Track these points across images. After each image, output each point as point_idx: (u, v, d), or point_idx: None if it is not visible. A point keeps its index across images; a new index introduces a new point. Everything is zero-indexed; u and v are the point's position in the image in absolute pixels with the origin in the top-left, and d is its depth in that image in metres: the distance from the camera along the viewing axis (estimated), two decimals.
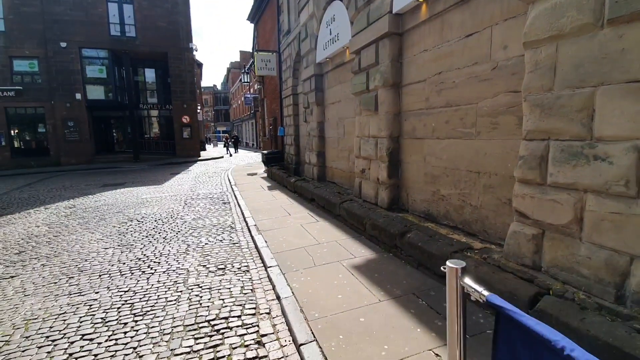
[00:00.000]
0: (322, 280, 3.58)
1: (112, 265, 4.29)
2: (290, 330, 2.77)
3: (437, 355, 2.33)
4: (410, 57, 4.92)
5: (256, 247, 4.81)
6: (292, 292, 3.33)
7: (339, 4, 6.75)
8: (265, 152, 14.70)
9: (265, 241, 4.97)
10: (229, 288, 3.56)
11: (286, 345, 2.61)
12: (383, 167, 5.46)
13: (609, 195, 2.36)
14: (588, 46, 2.43)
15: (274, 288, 3.51)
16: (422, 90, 4.70)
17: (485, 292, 0.96)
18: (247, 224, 6.00)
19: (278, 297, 3.30)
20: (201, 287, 3.60)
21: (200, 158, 22.30)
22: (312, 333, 2.65)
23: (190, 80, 22.09)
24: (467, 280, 1.04)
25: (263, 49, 16.43)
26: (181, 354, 2.52)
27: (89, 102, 19.85)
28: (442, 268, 1.14)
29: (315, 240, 4.97)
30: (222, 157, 24.64)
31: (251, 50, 23.87)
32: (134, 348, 2.60)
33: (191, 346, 2.61)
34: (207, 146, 38.15)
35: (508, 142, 3.39)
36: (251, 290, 3.52)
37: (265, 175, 12.88)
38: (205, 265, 4.17)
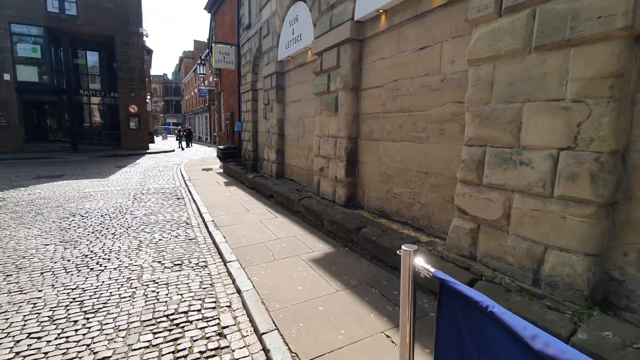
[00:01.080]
0: (282, 274, 3.71)
1: (55, 262, 4.02)
2: (251, 321, 2.87)
3: (387, 336, 2.59)
4: (370, 63, 5.22)
5: (214, 242, 4.79)
6: (253, 285, 3.42)
7: (303, 5, 6.89)
8: (221, 147, 14.37)
9: (224, 237, 4.96)
10: (187, 283, 3.55)
11: (248, 335, 2.70)
12: (341, 166, 5.71)
13: (530, 194, 2.79)
14: (519, 68, 2.85)
15: (234, 282, 3.56)
16: (379, 95, 5.01)
17: (432, 269, 1.18)
18: (203, 220, 5.91)
19: (238, 291, 3.36)
20: (157, 283, 3.54)
21: (149, 151, 21.07)
22: (274, 322, 2.78)
23: (140, 67, 20.76)
24: (418, 261, 1.25)
25: (222, 42, 15.97)
26: (139, 348, 2.51)
27: (19, 84, 17.80)
28: (397, 252, 1.34)
29: (275, 235, 5.08)
30: (174, 150, 23.51)
31: (207, 41, 23.02)
32: (87, 345, 2.53)
33: (150, 340, 2.60)
34: (155, 139, 36.02)
35: (453, 146, 3.80)
36: (210, 284, 3.54)
37: (222, 171, 12.60)
38: (160, 262, 4.08)
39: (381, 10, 4.67)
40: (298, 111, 7.94)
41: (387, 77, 4.83)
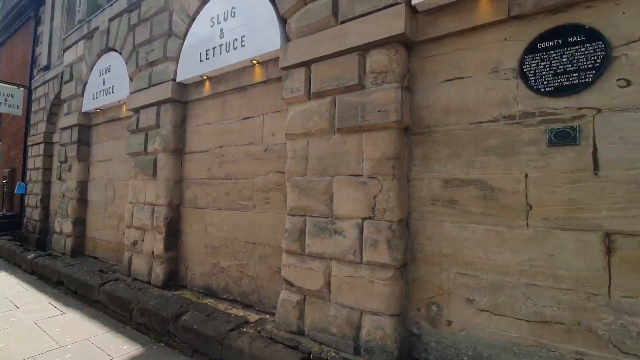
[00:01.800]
0: None
1: None
2: None
3: None
4: (195, 126, 4.92)
5: None
6: None
7: (117, 55, 6.12)
8: None
9: None
10: None
11: None
12: (160, 238, 4.84)
13: (345, 262, 2.94)
14: (327, 145, 3.15)
15: None
16: (205, 160, 4.69)
17: None
18: None
19: None
20: None
21: None
22: None
23: None
24: None
25: (6, 81, 12.38)
26: None
27: None
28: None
29: (56, 342, 3.61)
30: None
31: None
32: None
33: None
34: None
35: (278, 215, 3.78)
36: None
37: None
38: None
39: (204, 77, 4.58)
40: (108, 172, 6.59)
41: (213, 142, 4.62)
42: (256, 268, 4.00)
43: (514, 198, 2.44)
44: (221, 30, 4.31)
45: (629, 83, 2.12)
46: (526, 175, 2.41)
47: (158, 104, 5.07)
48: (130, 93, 5.62)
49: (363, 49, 2.98)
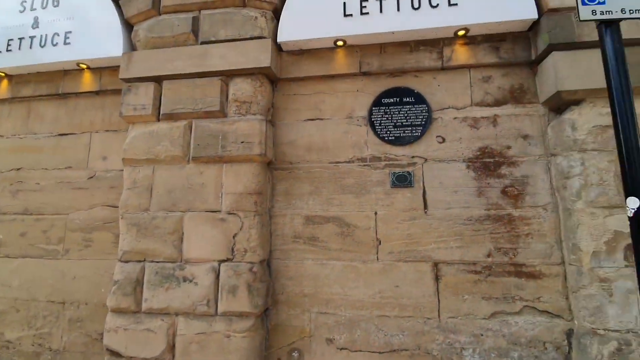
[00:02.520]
0: None
1: None
2: None
3: None
4: None
5: None
6: None
7: None
8: None
9: None
10: None
11: None
12: None
13: (195, 316, 2.46)
14: (179, 175, 2.69)
15: None
16: None
17: None
18: None
19: None
20: None
21: None
22: None
23: None
24: None
25: None
26: None
27: None
28: None
29: None
30: None
31: None
32: None
33: None
34: None
35: (103, 263, 2.92)
36: None
37: None
38: None
39: (1, 73, 3.34)
40: None
41: (6, 163, 3.31)
42: (64, 338, 2.91)
43: (367, 234, 2.63)
44: (35, 19, 3.29)
45: (444, 140, 2.67)
46: (376, 213, 2.65)
47: None
48: None
49: (227, 75, 2.78)
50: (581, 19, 1.80)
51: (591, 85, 2.32)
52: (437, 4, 2.62)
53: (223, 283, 2.48)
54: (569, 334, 2.32)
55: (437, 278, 2.51)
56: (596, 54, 2.35)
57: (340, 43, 2.79)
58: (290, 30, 2.76)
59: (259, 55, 2.70)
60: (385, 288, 2.54)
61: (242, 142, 2.64)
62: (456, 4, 2.60)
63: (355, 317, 2.54)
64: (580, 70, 2.35)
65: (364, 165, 2.73)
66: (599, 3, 1.81)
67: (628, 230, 2.17)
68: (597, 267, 2.19)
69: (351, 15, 2.70)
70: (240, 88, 2.75)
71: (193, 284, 2.50)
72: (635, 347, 2.06)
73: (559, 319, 2.35)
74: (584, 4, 1.81)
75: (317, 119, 2.86)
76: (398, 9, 2.66)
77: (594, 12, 1.80)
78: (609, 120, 2.30)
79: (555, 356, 2.31)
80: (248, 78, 2.75)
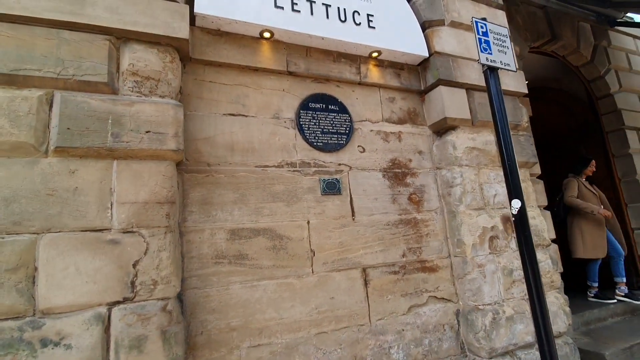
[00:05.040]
0: None
1: None
2: None
3: None
4: None
5: None
6: None
7: None
8: None
9: None
10: None
11: None
12: None
13: None
14: (28, 175, 1.65)
15: None
16: None
17: None
18: None
19: None
20: None
21: None
22: None
23: None
24: None
25: None
26: None
27: None
28: None
29: None
30: None
31: None
32: None
33: None
34: None
35: None
36: None
37: None
38: None
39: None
40: None
41: None
42: None
43: (301, 245, 2.40)
44: None
45: (364, 149, 2.82)
46: (308, 222, 2.47)
47: None
48: None
49: (117, 37, 1.97)
50: (481, 62, 2.32)
51: (463, 115, 3.02)
52: (360, 23, 2.79)
53: (119, 337, 1.66)
54: (457, 313, 2.84)
55: (366, 283, 2.56)
56: (464, 93, 3.10)
57: (267, 35, 2.52)
58: (213, 2, 2.27)
59: (172, 22, 2.07)
60: (322, 302, 2.38)
61: (147, 132, 1.91)
62: (374, 27, 2.85)
63: (292, 341, 2.23)
64: (456, 103, 3.03)
65: (294, 171, 2.51)
66: (489, 53, 2.39)
67: (490, 225, 2.89)
68: (475, 256, 2.81)
69: (282, 8, 2.49)
70: (142, 58, 2.00)
71: (63, 348, 1.55)
72: (501, 315, 2.74)
73: (451, 303, 2.85)
74: (482, 52, 2.35)
75: (240, 114, 2.43)
76: (327, 16, 2.66)
77: (486, 59, 2.35)
78: (474, 143, 3.05)
79: (450, 335, 2.77)
80: (154, 48, 2.05)
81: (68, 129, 1.74)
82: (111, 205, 1.79)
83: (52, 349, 1.53)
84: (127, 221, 1.80)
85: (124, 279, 1.74)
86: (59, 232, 1.66)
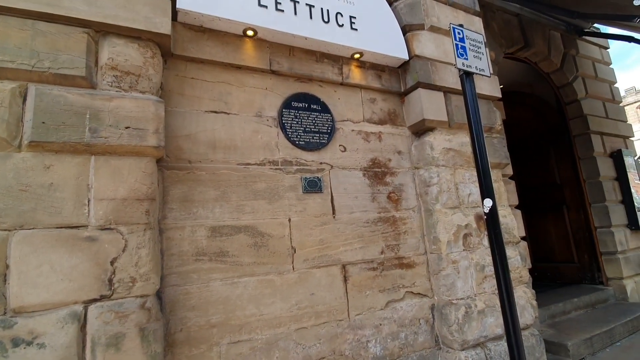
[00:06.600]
0: None
1: None
2: None
3: None
4: None
5: None
6: None
7: None
8: None
9: None
10: None
11: None
12: None
13: None
14: (1, 170, 1.60)
15: None
16: None
17: None
18: None
19: None
20: None
21: None
22: None
23: None
24: None
25: None
26: None
27: None
28: None
29: None
30: None
31: None
32: None
33: None
34: None
35: None
36: None
37: None
38: None
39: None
40: None
41: None
42: None
43: (282, 243, 2.43)
44: None
45: (345, 149, 2.87)
46: (289, 220, 2.50)
47: None
48: None
49: (97, 30, 1.93)
50: (457, 66, 2.41)
51: (440, 117, 3.12)
52: (343, 24, 2.84)
53: (96, 335, 1.64)
54: (432, 308, 2.95)
55: (345, 279, 2.62)
56: (442, 96, 3.21)
57: (250, 33, 2.52)
58: None
59: (153, 17, 2.04)
60: (302, 298, 2.42)
61: (127, 128, 1.88)
62: (357, 29, 2.90)
63: (272, 337, 2.26)
64: (434, 105, 3.13)
65: (276, 169, 2.53)
66: (465, 59, 2.50)
67: (464, 223, 3.01)
68: (450, 253, 2.92)
69: (266, 7, 2.50)
70: (122, 53, 1.97)
71: (36, 348, 1.51)
72: (474, 309, 2.87)
73: (426, 298, 2.95)
74: (459, 57, 2.45)
75: (223, 112, 2.43)
76: (311, 17, 2.69)
77: (463, 64, 2.45)
78: (450, 144, 3.17)
79: (426, 328, 2.88)
80: (134, 42, 2.02)
81: (43, 123, 1.70)
82: (88, 201, 1.76)
83: (24, 348, 1.50)
84: (105, 218, 1.78)
85: (102, 276, 1.72)
86: (33, 228, 1.62)
